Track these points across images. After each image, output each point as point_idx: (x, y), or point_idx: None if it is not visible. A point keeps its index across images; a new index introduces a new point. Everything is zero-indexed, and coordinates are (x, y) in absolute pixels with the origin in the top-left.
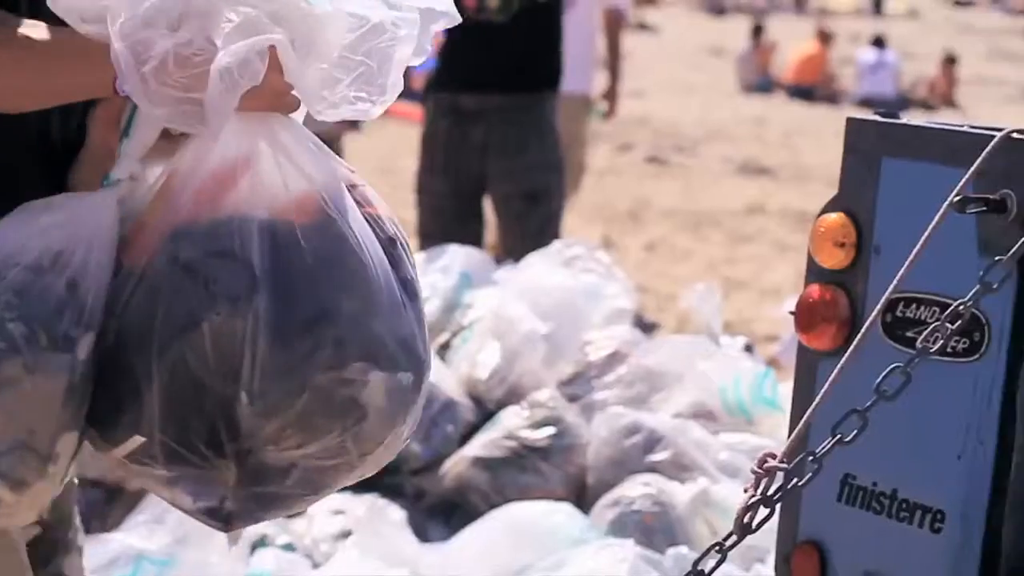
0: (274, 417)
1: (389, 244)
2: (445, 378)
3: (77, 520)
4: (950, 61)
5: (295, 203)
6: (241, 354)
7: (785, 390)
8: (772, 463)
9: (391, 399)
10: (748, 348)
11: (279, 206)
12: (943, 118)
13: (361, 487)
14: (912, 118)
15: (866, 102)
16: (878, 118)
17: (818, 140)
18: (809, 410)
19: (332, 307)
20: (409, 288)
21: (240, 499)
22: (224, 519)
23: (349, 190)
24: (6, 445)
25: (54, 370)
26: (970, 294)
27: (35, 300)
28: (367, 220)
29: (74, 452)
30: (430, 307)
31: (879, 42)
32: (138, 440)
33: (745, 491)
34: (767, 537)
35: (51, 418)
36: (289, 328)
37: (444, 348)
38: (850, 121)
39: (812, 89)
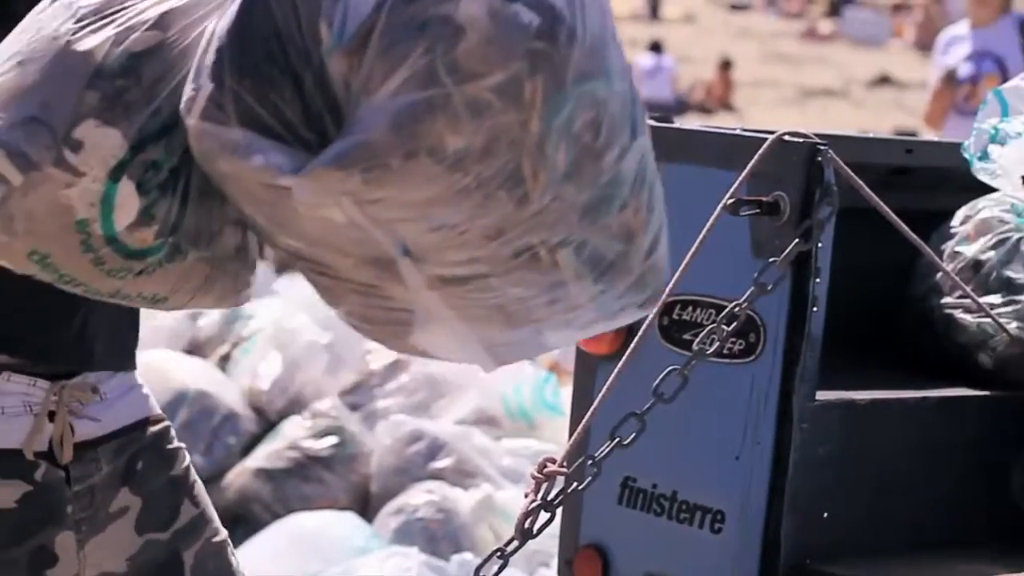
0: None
1: None
2: (227, 390)
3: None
4: (726, 65)
5: None
6: None
7: (567, 394)
8: (552, 468)
9: (497, 25)
10: None
11: None
12: (721, 121)
13: None
14: (688, 122)
15: (645, 106)
16: (652, 123)
17: None
18: (588, 414)
19: None
20: None
21: None
22: None
23: None
24: (17, 116)
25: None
26: (745, 296)
27: None
28: None
29: (116, 160)
30: (210, 320)
31: (656, 47)
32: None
33: (526, 496)
34: (552, 541)
35: (71, 93)
36: None
37: (225, 360)
38: None
39: None
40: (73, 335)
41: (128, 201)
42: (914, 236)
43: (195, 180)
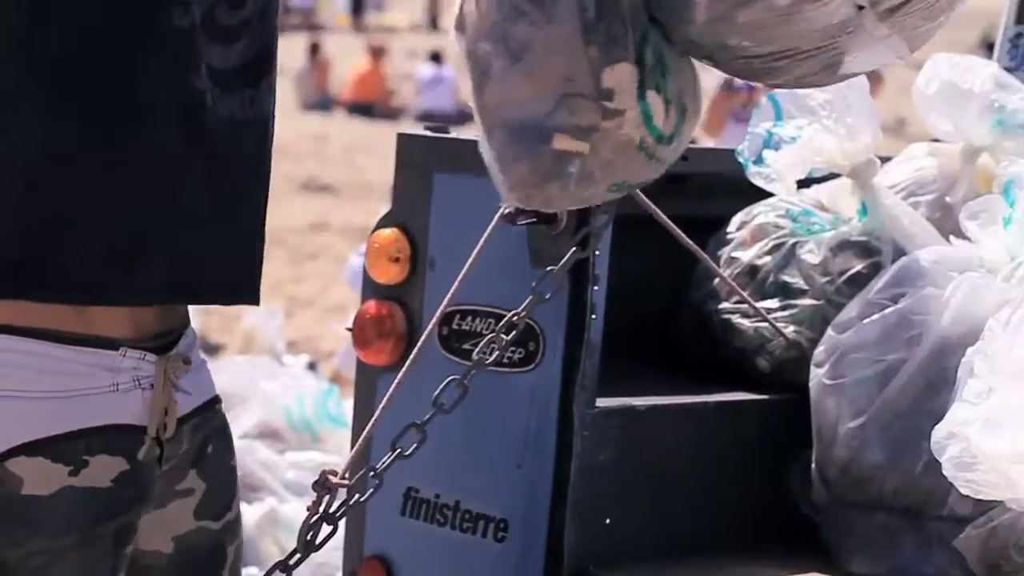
0: None
1: None
2: None
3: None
4: None
5: None
6: None
7: (350, 406)
8: (333, 480)
9: None
10: (312, 366)
11: None
12: None
13: None
14: (470, 132)
15: (426, 117)
16: (428, 133)
17: (378, 156)
18: (368, 426)
19: None
20: None
21: None
22: None
23: None
24: (551, 101)
25: (560, 19)
26: (523, 305)
27: None
28: None
29: (636, 83)
30: None
31: (436, 57)
32: None
33: (309, 509)
34: (336, 553)
35: (580, 59)
36: None
37: None
38: (401, 137)
39: (371, 105)
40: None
41: (656, 104)
42: (690, 243)
43: (667, 52)
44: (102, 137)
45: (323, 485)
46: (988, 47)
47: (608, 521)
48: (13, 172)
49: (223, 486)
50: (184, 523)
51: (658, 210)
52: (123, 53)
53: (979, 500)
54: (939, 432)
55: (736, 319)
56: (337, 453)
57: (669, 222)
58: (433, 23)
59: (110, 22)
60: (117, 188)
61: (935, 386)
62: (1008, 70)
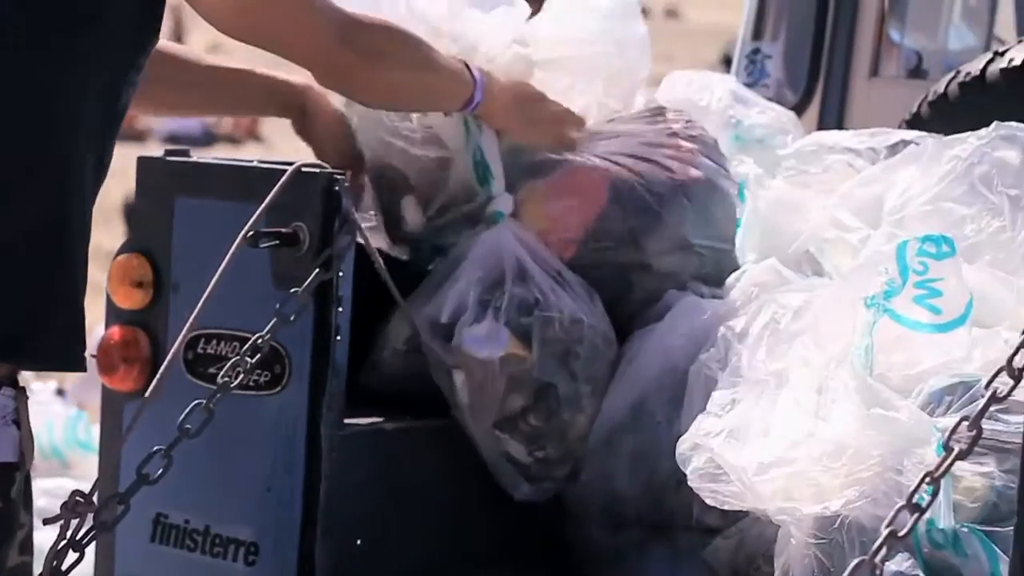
0: None
1: None
2: None
3: None
4: None
5: None
6: None
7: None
8: (79, 506)
9: None
10: (60, 392)
11: None
12: (249, 152)
13: None
14: (217, 154)
15: (172, 139)
16: (169, 157)
17: (124, 179)
18: (117, 451)
19: None
20: None
21: None
22: None
23: None
24: None
25: None
26: (267, 327)
27: None
28: None
29: None
30: None
31: None
32: None
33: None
34: None
35: None
36: None
37: None
38: (141, 160)
39: None
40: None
41: None
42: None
43: None
44: None
45: (71, 509)
46: (728, 63)
47: (359, 543)
48: None
49: (31, 519)
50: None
51: (370, 245)
52: None
53: (727, 511)
54: (683, 444)
55: None
56: (87, 480)
57: (378, 259)
58: (179, 43)
59: None
60: None
61: (674, 400)
62: (746, 85)
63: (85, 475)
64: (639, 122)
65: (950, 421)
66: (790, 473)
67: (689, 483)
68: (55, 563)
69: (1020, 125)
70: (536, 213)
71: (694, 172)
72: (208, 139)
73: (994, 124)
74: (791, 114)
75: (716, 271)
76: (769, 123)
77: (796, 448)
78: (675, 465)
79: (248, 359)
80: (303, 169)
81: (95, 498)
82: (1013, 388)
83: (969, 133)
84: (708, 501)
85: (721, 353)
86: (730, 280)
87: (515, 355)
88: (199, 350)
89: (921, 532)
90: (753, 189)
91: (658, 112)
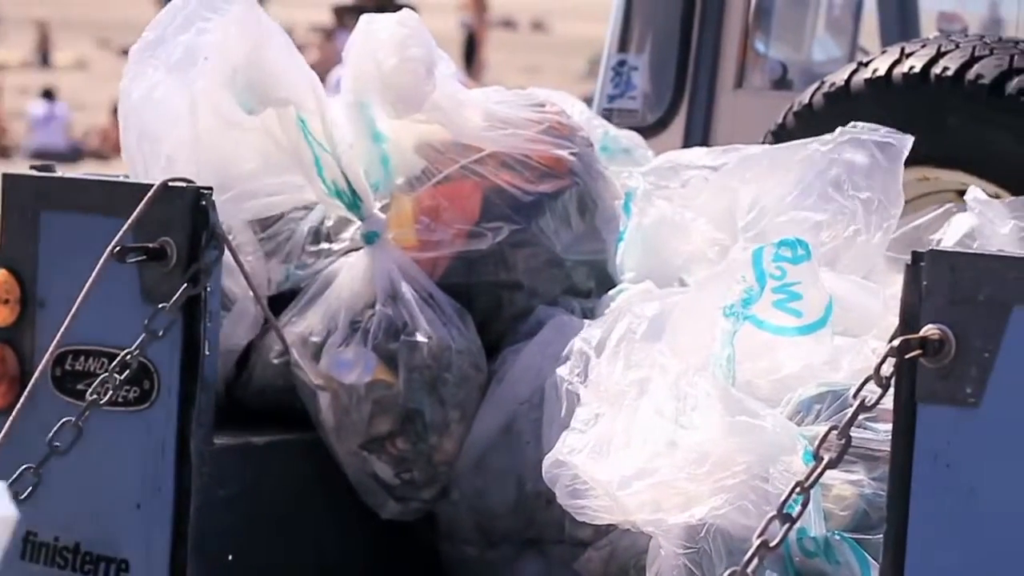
0: None
1: None
2: None
3: None
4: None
5: None
6: None
7: None
8: None
9: None
10: None
11: None
12: (117, 168)
13: None
14: (84, 169)
15: (39, 155)
16: (33, 172)
17: None
18: None
19: None
20: None
21: None
22: None
23: None
24: None
25: None
26: (136, 343)
27: None
28: None
29: None
30: None
31: (48, 94)
32: None
33: None
34: None
35: None
36: None
37: None
38: (7, 177)
39: None
40: None
41: None
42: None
43: None
44: None
45: None
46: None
47: (231, 557)
48: None
49: None
50: None
51: (241, 261)
52: None
53: (594, 525)
54: (549, 461)
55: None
56: None
57: (247, 273)
58: (44, 60)
59: None
60: None
61: (541, 419)
62: (611, 97)
63: None
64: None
65: (819, 429)
66: (655, 483)
67: (559, 500)
68: None
69: (867, 126)
70: (407, 231)
71: (566, 182)
72: (75, 155)
73: (838, 129)
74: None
75: (587, 286)
76: (631, 135)
77: (659, 458)
78: (544, 483)
79: (117, 375)
80: (170, 184)
81: None
82: (881, 397)
83: (814, 139)
84: (578, 518)
85: (580, 366)
86: (604, 299)
87: (381, 381)
88: (67, 366)
89: (792, 541)
90: (640, 204)
91: (538, 105)
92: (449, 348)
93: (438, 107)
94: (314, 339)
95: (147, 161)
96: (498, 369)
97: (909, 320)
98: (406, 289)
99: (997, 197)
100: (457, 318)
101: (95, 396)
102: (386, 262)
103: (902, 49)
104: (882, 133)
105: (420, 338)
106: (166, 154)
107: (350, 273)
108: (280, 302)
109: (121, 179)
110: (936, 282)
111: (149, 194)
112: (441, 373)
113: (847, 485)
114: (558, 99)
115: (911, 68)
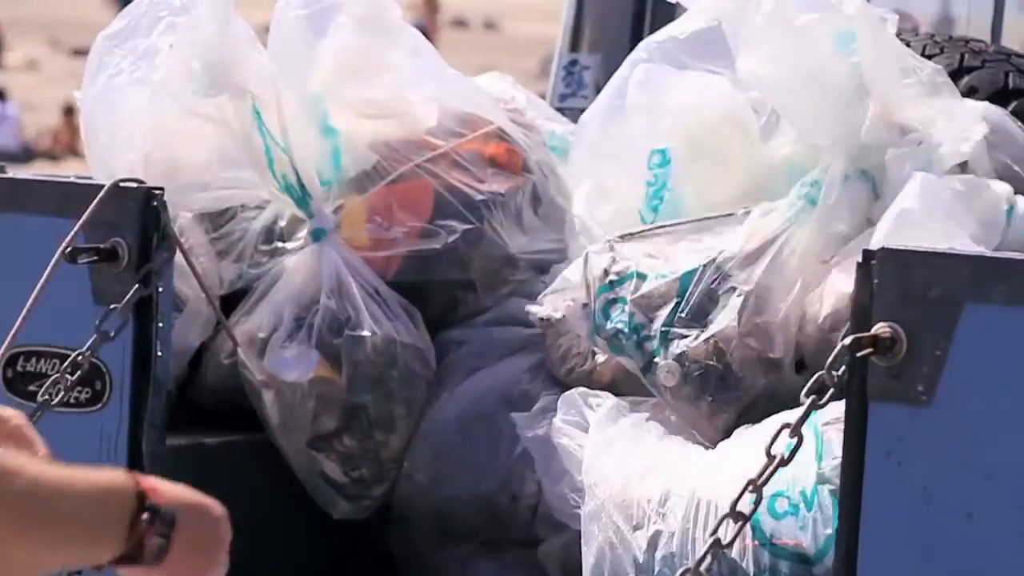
0: None
1: None
2: None
3: None
4: (70, 111)
5: None
6: None
7: None
8: None
9: None
10: None
11: None
12: (69, 168)
13: None
14: (37, 170)
15: None
16: None
17: None
18: None
19: None
20: None
21: None
22: None
23: None
24: None
25: None
26: (87, 344)
27: None
28: None
29: None
30: None
31: (0, 95)
32: None
33: None
34: None
35: None
36: None
37: None
38: None
39: None
40: None
41: None
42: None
43: None
44: None
45: None
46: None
47: None
48: None
49: None
50: None
51: (186, 252)
52: None
53: (558, 522)
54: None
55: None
56: None
57: (199, 273)
58: None
59: None
60: None
61: (498, 417)
62: (563, 96)
63: None
64: (472, 110)
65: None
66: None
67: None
68: None
69: None
70: (359, 229)
71: (520, 181)
72: (27, 155)
73: None
74: None
75: (541, 285)
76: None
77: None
78: (504, 480)
79: (68, 376)
80: (121, 184)
81: None
82: (832, 395)
83: None
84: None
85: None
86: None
87: (324, 377)
88: (19, 368)
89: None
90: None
91: (493, 102)
92: (394, 343)
93: (391, 102)
94: (261, 335)
95: (104, 151)
96: (452, 368)
97: (860, 318)
98: (352, 284)
99: None
100: (404, 314)
101: (47, 397)
102: (333, 258)
103: None
104: None
105: (364, 332)
106: (123, 138)
107: (297, 269)
108: (233, 302)
109: (72, 179)
110: (887, 280)
111: (100, 194)
112: (386, 369)
113: None
114: (515, 93)
115: None
